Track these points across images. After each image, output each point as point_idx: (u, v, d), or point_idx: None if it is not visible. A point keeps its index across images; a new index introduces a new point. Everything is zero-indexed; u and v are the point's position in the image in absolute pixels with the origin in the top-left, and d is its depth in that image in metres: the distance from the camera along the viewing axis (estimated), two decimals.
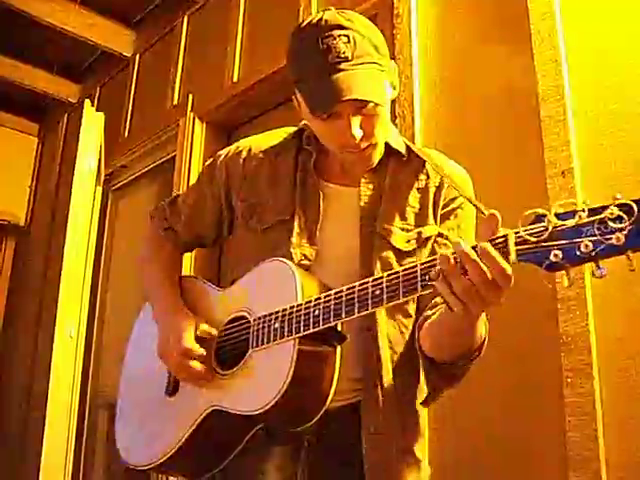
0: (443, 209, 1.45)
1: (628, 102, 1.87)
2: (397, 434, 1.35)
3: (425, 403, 1.40)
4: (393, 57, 2.47)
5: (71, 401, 3.57)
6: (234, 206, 1.57)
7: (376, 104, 1.33)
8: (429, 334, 1.32)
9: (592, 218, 0.93)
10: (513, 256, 1.00)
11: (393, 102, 2.42)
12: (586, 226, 0.93)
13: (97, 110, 4.15)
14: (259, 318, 1.34)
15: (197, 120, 3.69)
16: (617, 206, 0.91)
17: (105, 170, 4.27)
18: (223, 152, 1.64)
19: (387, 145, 1.48)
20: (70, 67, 5.08)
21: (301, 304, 1.27)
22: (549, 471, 1.81)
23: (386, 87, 1.38)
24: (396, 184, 1.46)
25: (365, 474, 1.31)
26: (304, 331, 1.25)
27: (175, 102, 3.95)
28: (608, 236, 0.91)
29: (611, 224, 0.90)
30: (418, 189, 1.45)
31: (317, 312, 1.24)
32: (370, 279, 1.20)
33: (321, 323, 1.23)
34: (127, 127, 4.41)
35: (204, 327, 1.43)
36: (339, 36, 1.29)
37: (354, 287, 1.21)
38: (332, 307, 1.23)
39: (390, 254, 1.37)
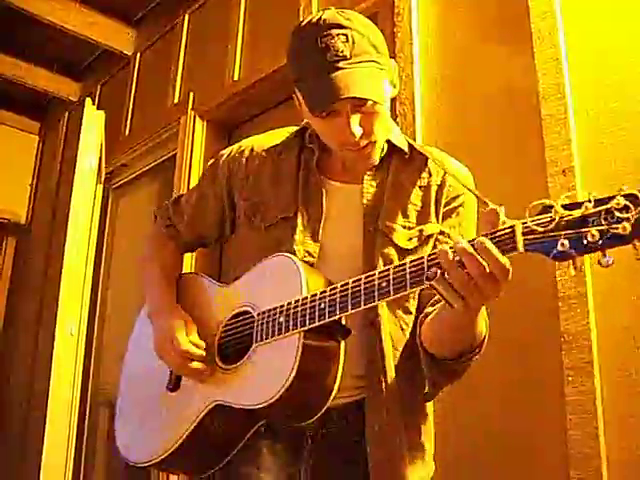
0: (445, 207, 1.45)
1: (629, 101, 1.87)
2: (401, 431, 1.35)
3: (426, 398, 1.40)
4: (394, 56, 2.49)
5: (72, 399, 3.58)
6: (236, 205, 1.57)
7: (375, 102, 1.33)
8: (430, 330, 1.32)
9: (598, 208, 0.94)
10: (520, 246, 1.01)
11: (394, 100, 2.44)
12: (592, 216, 0.94)
13: (98, 108, 4.16)
14: (263, 312, 1.34)
15: (198, 118, 3.69)
16: (623, 196, 0.92)
17: (106, 168, 4.27)
18: (225, 152, 1.65)
19: (389, 143, 1.48)
20: (71, 65, 5.07)
21: (306, 297, 1.27)
22: (550, 469, 1.81)
23: (385, 85, 1.39)
24: (398, 182, 1.46)
25: (370, 472, 1.32)
26: (309, 324, 1.24)
27: (176, 100, 3.95)
28: (615, 226, 0.91)
29: (617, 214, 0.91)
30: (420, 187, 1.46)
31: (323, 305, 1.24)
32: (376, 271, 1.20)
33: (327, 316, 1.23)
34: (128, 125, 4.41)
35: (195, 336, 1.43)
36: (338, 35, 1.30)
37: (360, 280, 1.21)
38: (338, 300, 1.22)
39: (392, 251, 1.37)
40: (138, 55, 4.53)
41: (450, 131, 2.31)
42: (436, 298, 1.36)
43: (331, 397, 1.27)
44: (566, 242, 0.96)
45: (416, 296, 1.41)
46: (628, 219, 0.90)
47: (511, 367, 1.94)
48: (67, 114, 5.21)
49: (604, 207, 0.93)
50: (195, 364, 1.38)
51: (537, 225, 0.99)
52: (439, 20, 2.47)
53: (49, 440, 3.43)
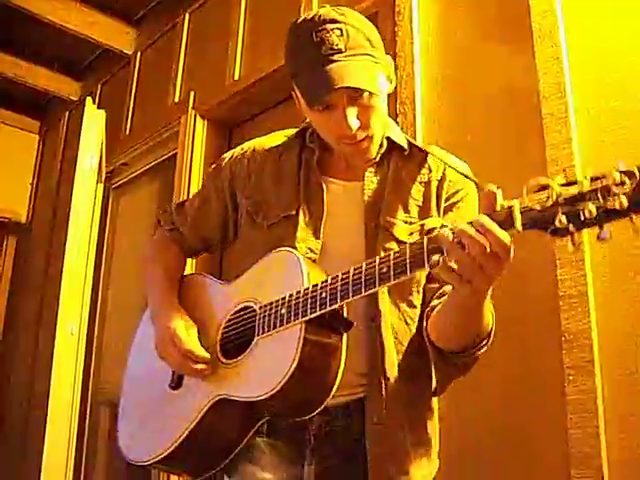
0: (446, 202, 1.46)
1: (629, 99, 1.87)
2: (404, 427, 1.35)
3: (434, 393, 1.40)
4: (394, 55, 2.49)
5: (72, 399, 3.58)
6: (239, 205, 1.58)
7: (370, 94, 1.35)
8: (436, 322, 1.32)
9: (595, 185, 0.94)
10: (518, 224, 1.01)
11: (395, 100, 2.44)
12: (589, 192, 0.94)
13: (98, 108, 4.16)
14: (265, 306, 1.34)
15: (198, 117, 3.69)
16: (620, 172, 0.92)
17: (106, 167, 4.27)
18: (227, 155, 1.66)
19: (389, 140, 1.50)
20: (71, 65, 5.08)
21: (308, 288, 1.27)
22: (551, 468, 1.81)
23: (380, 78, 1.40)
24: (399, 178, 1.47)
25: (368, 469, 1.32)
26: (311, 314, 1.24)
27: (176, 99, 3.95)
28: (611, 200, 0.92)
29: (614, 189, 0.92)
30: (421, 182, 1.47)
31: (324, 294, 1.23)
32: (377, 258, 1.20)
33: (328, 304, 1.23)
34: (128, 125, 4.41)
35: (195, 336, 1.43)
36: (332, 29, 1.32)
37: (361, 267, 1.21)
38: (339, 288, 1.22)
39: (394, 246, 1.37)
40: (138, 54, 4.53)
41: (451, 130, 2.31)
42: (441, 291, 1.37)
43: (333, 390, 1.26)
44: (563, 218, 0.96)
45: (420, 290, 1.42)
46: (624, 193, 0.91)
47: (512, 366, 1.94)
48: (67, 113, 5.21)
49: (601, 183, 0.94)
50: (197, 364, 1.37)
51: (534, 203, 1.00)
52: (440, 19, 2.47)
53: (50, 440, 3.43)
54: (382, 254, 1.30)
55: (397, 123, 2.39)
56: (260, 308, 1.35)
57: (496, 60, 2.25)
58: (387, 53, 1.47)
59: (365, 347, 1.36)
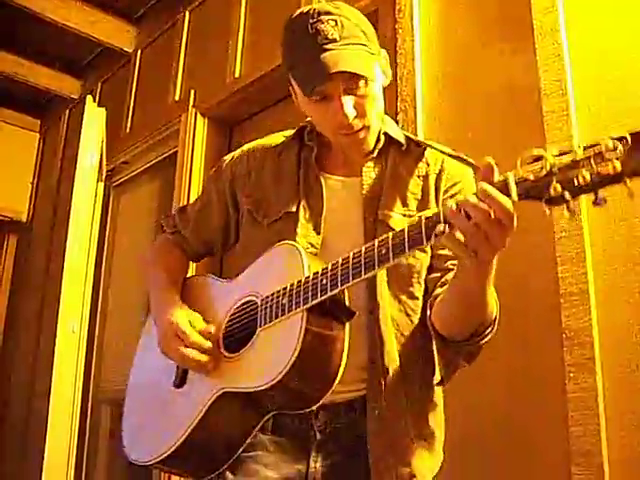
0: (444, 194, 1.46)
1: (630, 97, 1.87)
2: (403, 418, 1.35)
3: (439, 383, 1.40)
4: (395, 52, 2.49)
5: (73, 397, 3.58)
6: (240, 204, 1.59)
7: (366, 83, 1.37)
8: (440, 310, 1.33)
9: (588, 152, 0.95)
10: (514, 194, 1.02)
11: (395, 97, 2.44)
12: (583, 160, 0.95)
13: (99, 106, 4.15)
14: (266, 297, 1.34)
15: (199, 116, 3.69)
16: (612, 139, 0.93)
17: (107, 166, 4.27)
18: (227, 157, 1.68)
19: (387, 135, 1.51)
20: (72, 63, 5.08)
21: (308, 276, 1.27)
22: (552, 465, 1.81)
23: (375, 67, 1.41)
24: (397, 172, 1.48)
25: (370, 461, 1.32)
26: (312, 301, 1.24)
27: (177, 98, 3.95)
28: (605, 165, 0.93)
29: (607, 155, 0.93)
30: (419, 176, 1.48)
31: (324, 281, 1.23)
32: (376, 240, 1.20)
33: (329, 290, 1.22)
34: (129, 123, 4.41)
35: (200, 322, 1.42)
36: (327, 20, 1.35)
37: (360, 251, 1.21)
38: (339, 273, 1.22)
39: None
40: (139, 52, 4.53)
41: (452, 127, 2.31)
42: (443, 280, 1.37)
43: (336, 380, 1.25)
44: (558, 186, 0.97)
45: (422, 281, 1.42)
46: (617, 158, 0.92)
47: (513, 364, 1.94)
48: (68, 112, 5.21)
49: (594, 150, 0.95)
50: (201, 355, 1.37)
51: (529, 173, 1.01)
52: (440, 16, 2.47)
53: (51, 438, 3.43)
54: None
55: (398, 121, 2.40)
56: (261, 300, 1.35)
57: (497, 57, 2.25)
58: (387, 50, 1.48)
59: (365, 340, 1.37)
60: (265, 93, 3.37)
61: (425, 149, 1.52)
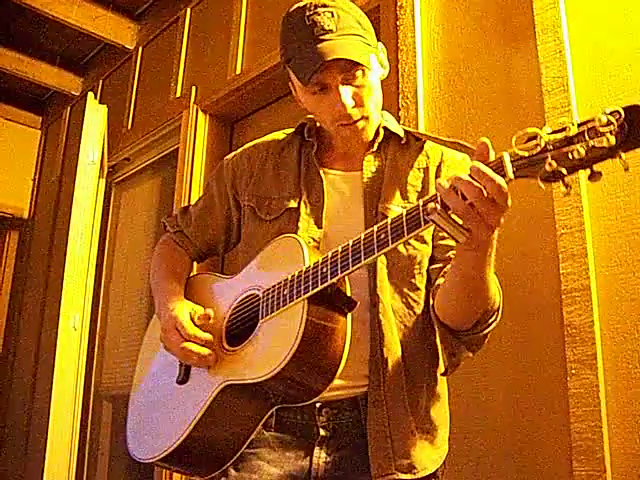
0: None
1: (632, 93, 1.87)
2: (403, 409, 1.35)
3: (443, 373, 1.39)
4: (396, 48, 2.49)
5: (75, 393, 3.59)
6: (241, 202, 1.59)
7: (363, 73, 1.38)
8: (442, 299, 1.32)
9: (582, 127, 0.95)
10: (509, 172, 1.02)
11: (397, 93, 2.44)
12: (577, 135, 0.96)
13: (100, 102, 4.17)
14: (267, 290, 1.34)
15: (200, 112, 3.68)
16: (605, 114, 0.93)
17: (108, 162, 4.28)
18: (229, 156, 1.69)
19: (386, 129, 1.52)
20: (73, 60, 5.08)
21: (309, 267, 1.27)
22: (554, 461, 1.81)
23: (372, 57, 1.43)
24: (397, 166, 1.49)
25: (369, 452, 1.32)
26: (312, 290, 1.24)
27: (178, 94, 3.95)
28: (599, 139, 0.93)
29: (601, 129, 0.93)
30: (419, 169, 1.48)
31: (325, 269, 1.24)
32: (375, 226, 1.20)
33: (329, 278, 1.22)
34: (130, 119, 4.41)
35: (200, 311, 1.42)
36: (323, 12, 1.38)
37: (359, 238, 1.22)
38: (339, 260, 1.22)
39: None
40: (140, 49, 4.53)
41: (453, 124, 2.31)
42: (445, 270, 1.37)
43: (338, 370, 1.25)
44: (553, 162, 0.97)
45: (424, 272, 1.42)
46: (611, 132, 0.92)
47: (515, 360, 1.94)
48: (69, 108, 5.22)
49: (587, 126, 0.95)
50: (199, 348, 1.36)
51: (524, 151, 1.01)
52: (442, 13, 2.47)
53: (52, 434, 3.44)
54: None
55: (399, 117, 2.40)
56: (263, 293, 1.36)
57: (498, 54, 2.24)
58: (388, 47, 1.48)
59: (368, 334, 1.37)
60: (266, 90, 3.37)
61: (425, 142, 1.52)
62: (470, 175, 1.03)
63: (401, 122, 2.34)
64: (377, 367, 1.35)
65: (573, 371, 1.79)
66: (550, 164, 0.97)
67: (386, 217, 1.38)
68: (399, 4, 2.57)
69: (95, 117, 4.00)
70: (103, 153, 4.09)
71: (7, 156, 5.32)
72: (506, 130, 2.16)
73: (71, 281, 3.72)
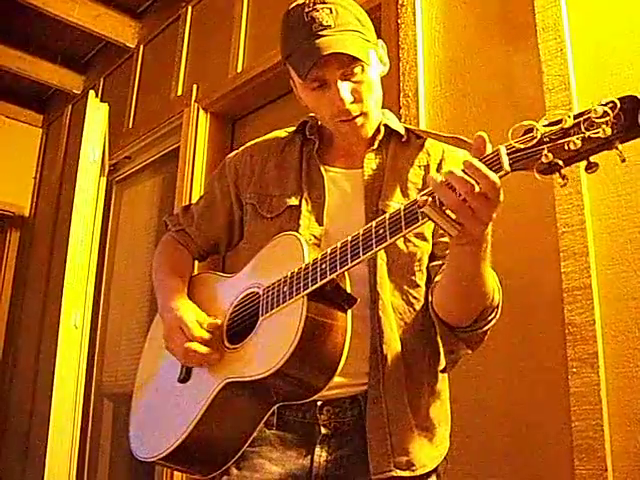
0: None
1: (633, 92, 1.86)
2: (402, 406, 1.35)
3: (443, 371, 1.40)
4: (397, 46, 2.48)
5: (76, 391, 3.59)
6: (243, 201, 1.60)
7: (362, 69, 1.38)
8: (440, 295, 1.32)
9: (578, 119, 0.96)
10: (506, 165, 1.02)
11: (398, 92, 2.44)
12: (573, 127, 0.96)
13: (101, 101, 4.16)
14: (268, 287, 1.34)
15: (201, 110, 3.68)
16: (601, 105, 0.94)
17: (109, 161, 4.28)
18: (231, 155, 1.69)
19: (387, 127, 1.52)
20: (74, 58, 5.08)
21: (308, 263, 1.27)
22: (555, 459, 1.81)
23: (371, 53, 1.43)
24: (397, 163, 1.49)
25: (368, 449, 1.32)
26: (312, 286, 1.24)
27: (179, 92, 3.95)
28: (595, 130, 0.94)
29: (597, 120, 0.93)
30: (420, 166, 1.49)
31: (324, 265, 1.24)
32: (373, 222, 1.20)
33: (328, 273, 1.22)
34: (131, 118, 4.41)
35: (208, 320, 1.42)
36: (322, 9, 1.38)
37: (358, 233, 1.22)
38: (338, 256, 1.22)
39: None
40: (141, 47, 4.53)
41: (454, 122, 2.31)
42: (444, 267, 1.36)
43: (339, 367, 1.25)
44: (549, 154, 0.97)
45: (424, 269, 1.42)
46: (607, 123, 0.93)
47: (516, 358, 1.94)
48: (70, 107, 5.22)
49: (583, 117, 0.95)
50: (200, 348, 1.36)
51: (520, 144, 1.01)
52: (443, 11, 2.47)
53: (53, 433, 3.44)
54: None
55: (400, 115, 2.39)
56: (263, 291, 1.36)
57: (499, 52, 2.24)
58: (389, 45, 1.47)
59: (367, 330, 1.37)
60: (268, 88, 3.36)
61: (426, 140, 1.52)
62: (463, 170, 1.03)
63: (402, 120, 2.34)
64: (377, 364, 1.35)
65: (574, 370, 1.78)
66: (546, 156, 0.97)
67: (385, 213, 1.39)
68: (400, 2, 2.56)
69: (96, 115, 4.00)
70: (104, 151, 4.09)
71: (8, 154, 5.32)
72: (507, 128, 2.15)
73: (72, 279, 3.72)
